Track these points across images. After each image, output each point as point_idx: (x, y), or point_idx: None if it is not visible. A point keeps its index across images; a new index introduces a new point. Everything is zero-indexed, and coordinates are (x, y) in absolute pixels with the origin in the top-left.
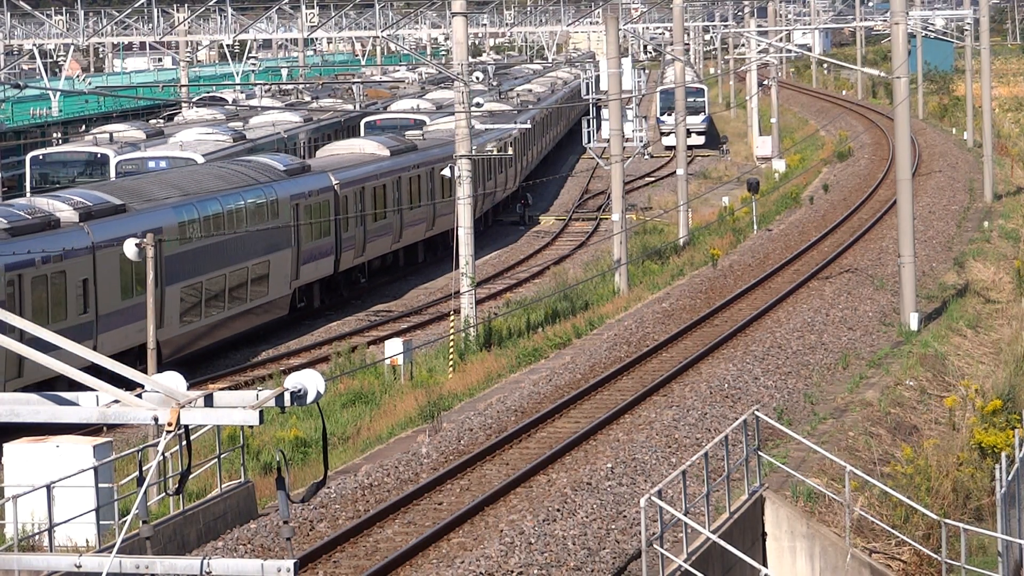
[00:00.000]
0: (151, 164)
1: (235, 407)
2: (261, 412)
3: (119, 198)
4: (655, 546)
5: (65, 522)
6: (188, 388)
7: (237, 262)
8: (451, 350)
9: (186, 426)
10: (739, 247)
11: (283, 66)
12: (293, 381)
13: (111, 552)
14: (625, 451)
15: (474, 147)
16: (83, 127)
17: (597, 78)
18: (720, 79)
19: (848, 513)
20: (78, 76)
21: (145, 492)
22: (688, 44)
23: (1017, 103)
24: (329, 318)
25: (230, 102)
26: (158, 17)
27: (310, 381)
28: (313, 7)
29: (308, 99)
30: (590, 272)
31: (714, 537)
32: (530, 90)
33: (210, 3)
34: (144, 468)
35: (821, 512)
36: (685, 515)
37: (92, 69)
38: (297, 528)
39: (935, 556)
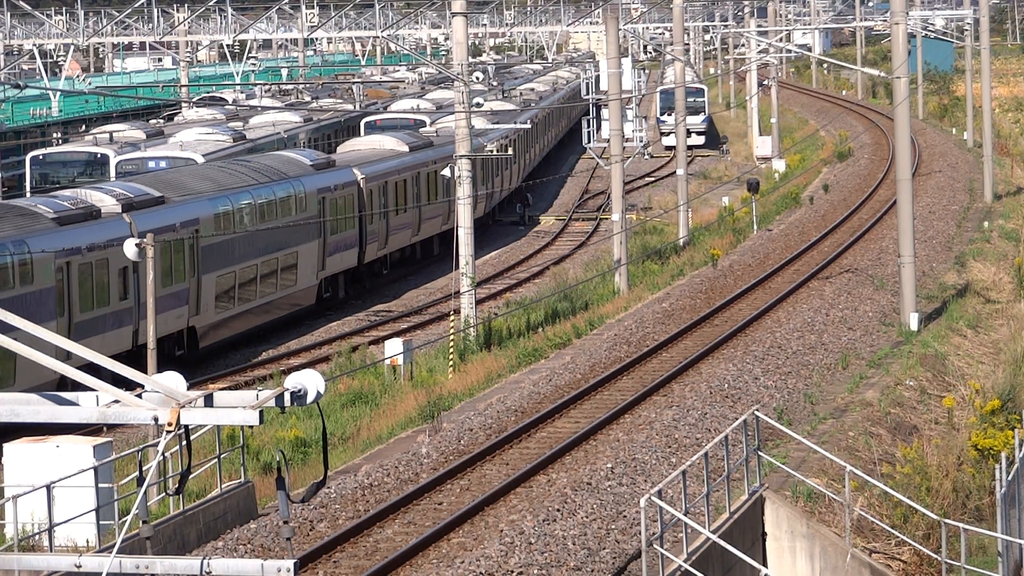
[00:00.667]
0: (151, 164)
1: (235, 407)
2: (261, 412)
3: (158, 190)
4: (655, 546)
5: (65, 522)
6: (188, 388)
7: (268, 253)
8: (451, 350)
9: (186, 426)
10: (739, 247)
11: (283, 66)
12: (293, 381)
13: (111, 552)
14: (625, 451)
15: (485, 144)
16: (83, 127)
17: (597, 78)
18: (720, 79)
19: (848, 513)
20: (78, 76)
21: (145, 492)
22: (688, 44)
23: (1017, 103)
24: (329, 318)
25: (230, 102)
26: (158, 17)
27: (310, 381)
28: (313, 7)
29: (308, 99)
30: (590, 272)
31: (714, 537)
32: (532, 89)
33: (210, 3)
34: (144, 468)
35: (821, 512)
36: (685, 515)
37: (92, 69)
38: (297, 528)
39: (935, 556)
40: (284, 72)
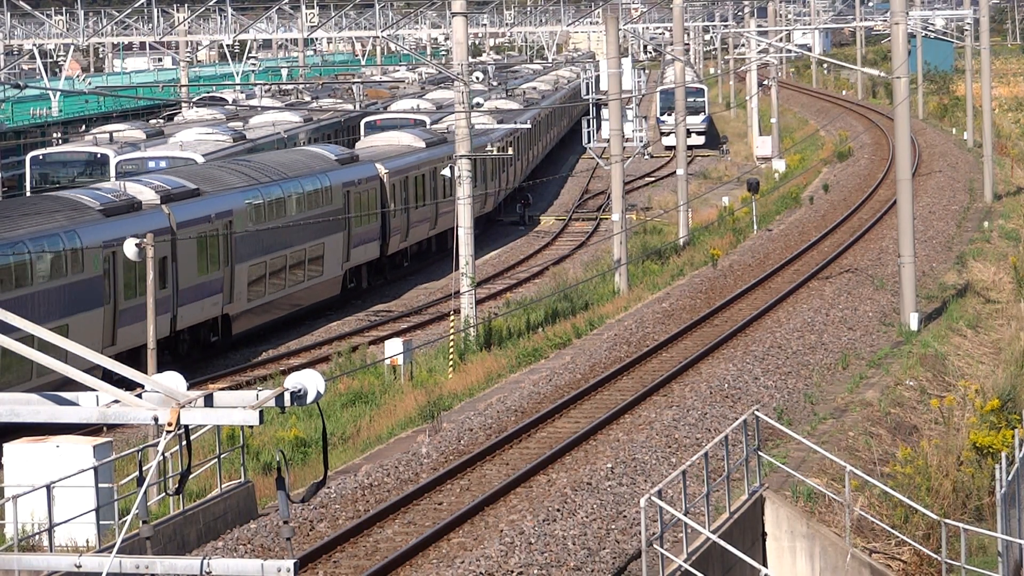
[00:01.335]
0: (151, 164)
1: (235, 407)
2: (261, 412)
3: (193, 183)
4: (655, 546)
5: (65, 522)
6: (188, 388)
7: (296, 244)
8: (451, 350)
9: (186, 426)
10: (739, 247)
11: (283, 66)
12: (293, 381)
13: (111, 552)
14: (625, 451)
15: (492, 142)
16: (83, 127)
17: (597, 78)
18: (720, 79)
19: (848, 513)
20: (78, 76)
21: (145, 492)
22: (688, 44)
23: (1017, 103)
24: (329, 318)
25: (230, 102)
26: (158, 17)
27: (310, 381)
28: (313, 7)
29: (308, 99)
30: (590, 272)
31: (714, 537)
32: (535, 88)
33: (210, 3)
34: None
35: (821, 512)
36: (685, 515)
37: (92, 69)
38: (297, 528)
39: (935, 556)
40: (284, 72)
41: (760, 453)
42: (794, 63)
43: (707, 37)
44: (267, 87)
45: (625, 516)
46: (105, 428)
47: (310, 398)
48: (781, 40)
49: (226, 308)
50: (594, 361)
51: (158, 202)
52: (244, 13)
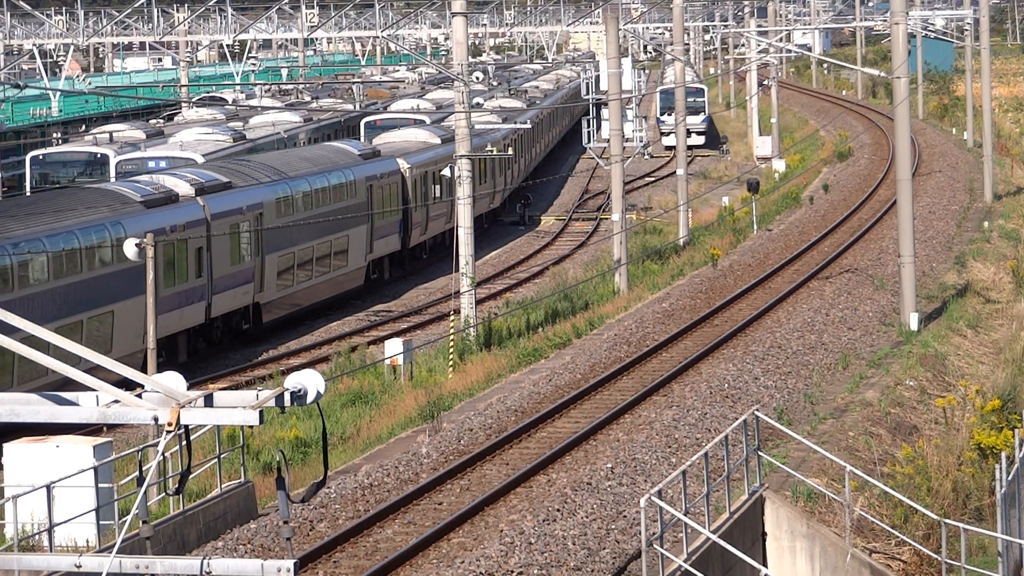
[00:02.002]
0: (151, 164)
1: (235, 407)
2: (261, 412)
3: (225, 176)
4: (655, 546)
5: (65, 522)
6: (188, 388)
7: (322, 236)
8: (451, 350)
9: (186, 426)
10: (739, 247)
11: (283, 66)
12: (293, 381)
13: (111, 552)
14: (625, 451)
15: (496, 140)
16: (83, 127)
17: (597, 78)
18: (720, 79)
19: (848, 513)
20: (78, 76)
21: (145, 492)
22: (688, 44)
23: (1017, 103)
24: (330, 318)
25: (230, 102)
26: (158, 17)
27: (310, 381)
28: (313, 7)
29: (308, 99)
30: (590, 272)
31: (714, 537)
32: (537, 87)
33: (210, 3)
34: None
35: (821, 512)
36: (685, 515)
37: (92, 69)
38: (297, 528)
39: (935, 556)
40: (284, 72)
41: (760, 453)
42: (794, 63)
43: (707, 37)
44: (267, 87)
45: (625, 516)
46: (105, 428)
47: (310, 398)
48: (781, 40)
49: (257, 297)
50: (594, 361)
51: (193, 194)
52: (244, 13)
